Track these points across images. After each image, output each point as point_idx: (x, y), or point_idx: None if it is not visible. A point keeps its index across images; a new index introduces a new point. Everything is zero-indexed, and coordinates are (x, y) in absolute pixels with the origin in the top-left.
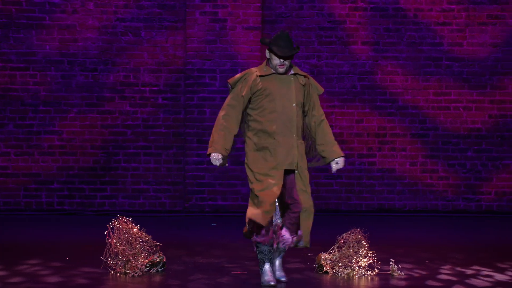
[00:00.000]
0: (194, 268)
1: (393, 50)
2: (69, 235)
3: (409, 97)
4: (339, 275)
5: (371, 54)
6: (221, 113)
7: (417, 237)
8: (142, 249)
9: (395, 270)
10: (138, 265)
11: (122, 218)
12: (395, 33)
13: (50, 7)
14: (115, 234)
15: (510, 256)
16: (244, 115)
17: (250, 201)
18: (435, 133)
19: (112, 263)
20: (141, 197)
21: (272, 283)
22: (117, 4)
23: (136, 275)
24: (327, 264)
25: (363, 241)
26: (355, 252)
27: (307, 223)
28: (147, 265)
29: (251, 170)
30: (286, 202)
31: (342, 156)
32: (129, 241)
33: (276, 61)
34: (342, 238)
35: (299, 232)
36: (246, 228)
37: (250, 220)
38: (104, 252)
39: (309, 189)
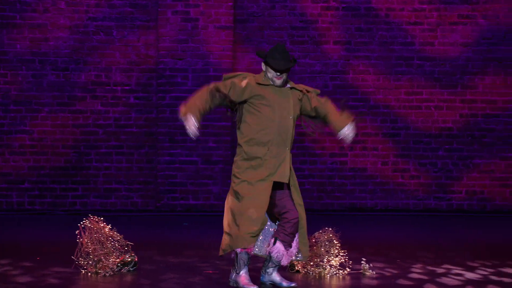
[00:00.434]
0: (165, 268)
1: (364, 50)
2: (40, 235)
3: (380, 97)
4: (311, 274)
5: (343, 54)
6: (210, 86)
7: (388, 236)
8: (114, 249)
9: (367, 269)
10: (110, 265)
11: (94, 217)
12: (366, 33)
13: (21, 6)
14: (87, 233)
15: (481, 255)
16: (238, 118)
17: (230, 216)
18: (407, 132)
19: (84, 262)
20: (112, 197)
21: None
22: (88, 3)
23: (107, 274)
24: (298, 263)
25: (334, 240)
26: (327, 251)
27: (305, 235)
28: (119, 264)
29: (238, 178)
30: (279, 212)
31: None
32: (101, 241)
33: (272, 73)
34: (314, 237)
35: (293, 245)
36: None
37: (229, 246)
38: (75, 252)
39: (302, 203)
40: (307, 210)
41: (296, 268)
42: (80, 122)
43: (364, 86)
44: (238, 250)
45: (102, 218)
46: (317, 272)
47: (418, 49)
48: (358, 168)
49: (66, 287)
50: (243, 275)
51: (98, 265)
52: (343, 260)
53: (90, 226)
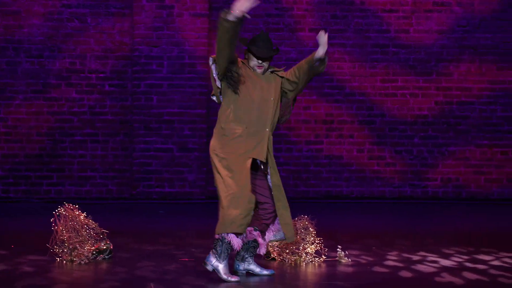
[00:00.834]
0: (141, 256)
1: (340, 37)
2: (15, 223)
3: (356, 84)
4: (287, 261)
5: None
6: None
7: (364, 223)
8: (89, 237)
9: (342, 256)
10: (85, 253)
11: (69, 205)
12: (342, 20)
13: None
14: (62, 221)
15: (456, 242)
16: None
17: (221, 203)
18: (382, 119)
19: (59, 250)
20: (88, 185)
21: (234, 279)
22: None
23: (82, 262)
24: (274, 251)
25: (310, 228)
26: (303, 238)
27: (285, 216)
28: (94, 252)
29: (217, 156)
30: (257, 200)
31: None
32: (76, 229)
33: (254, 61)
34: None
35: (269, 229)
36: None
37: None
38: (50, 240)
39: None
40: None
41: (272, 255)
42: (54, 110)
43: (339, 74)
44: (229, 237)
45: (77, 206)
46: (292, 259)
47: (393, 36)
48: (334, 156)
49: (41, 275)
50: (224, 265)
51: (73, 253)
52: (319, 248)
53: (65, 214)
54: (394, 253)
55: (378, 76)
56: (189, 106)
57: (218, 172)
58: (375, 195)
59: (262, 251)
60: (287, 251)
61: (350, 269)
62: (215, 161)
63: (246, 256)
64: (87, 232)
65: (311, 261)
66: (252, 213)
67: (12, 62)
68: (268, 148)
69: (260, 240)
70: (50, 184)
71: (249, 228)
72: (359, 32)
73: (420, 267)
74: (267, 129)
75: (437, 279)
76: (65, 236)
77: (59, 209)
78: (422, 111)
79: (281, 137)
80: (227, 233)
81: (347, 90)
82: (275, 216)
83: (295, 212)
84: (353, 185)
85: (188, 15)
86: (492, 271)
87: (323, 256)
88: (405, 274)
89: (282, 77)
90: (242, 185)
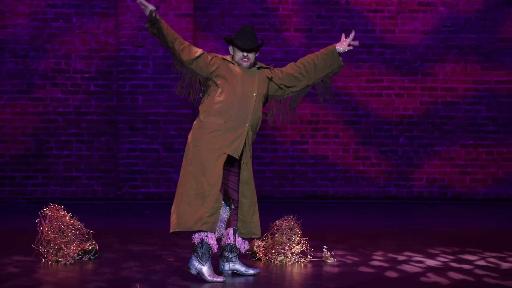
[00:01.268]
0: (126, 256)
1: (325, 37)
2: (0, 223)
3: (341, 84)
4: (272, 262)
5: (304, 41)
6: (185, 42)
7: (349, 223)
8: (74, 237)
9: (328, 256)
10: (70, 253)
11: (54, 205)
12: (327, 20)
13: None
14: (47, 222)
15: (441, 242)
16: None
17: (183, 198)
18: (368, 120)
19: (44, 251)
20: (73, 185)
21: (219, 279)
22: None
23: (68, 263)
24: (260, 251)
25: (296, 228)
26: (288, 239)
27: (246, 214)
28: (79, 253)
29: (191, 150)
30: (233, 199)
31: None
32: (61, 229)
33: (239, 55)
34: (275, 225)
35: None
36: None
37: (178, 225)
38: (36, 240)
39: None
40: (268, 198)
41: (257, 256)
42: (40, 110)
43: None
44: (202, 236)
45: (62, 206)
46: (278, 260)
47: (378, 36)
48: (319, 156)
49: (26, 276)
50: (208, 267)
51: (58, 254)
52: (305, 248)
53: (51, 214)
54: (380, 253)
55: (363, 76)
56: (174, 106)
57: (190, 166)
58: (360, 195)
59: (244, 248)
60: (273, 251)
61: (335, 269)
62: (189, 155)
63: (230, 256)
64: (72, 232)
65: (297, 261)
66: (219, 211)
67: None
68: (246, 144)
69: (237, 241)
70: (35, 185)
71: (228, 230)
72: (345, 32)
73: (405, 267)
74: (247, 125)
75: (423, 279)
76: (50, 236)
77: (44, 209)
78: (407, 111)
79: (267, 137)
80: (201, 231)
81: (333, 90)
82: (252, 213)
83: (281, 212)
84: (338, 185)
85: (173, 15)
86: (478, 271)
87: (309, 256)
88: (391, 274)
89: (270, 74)
90: (212, 183)
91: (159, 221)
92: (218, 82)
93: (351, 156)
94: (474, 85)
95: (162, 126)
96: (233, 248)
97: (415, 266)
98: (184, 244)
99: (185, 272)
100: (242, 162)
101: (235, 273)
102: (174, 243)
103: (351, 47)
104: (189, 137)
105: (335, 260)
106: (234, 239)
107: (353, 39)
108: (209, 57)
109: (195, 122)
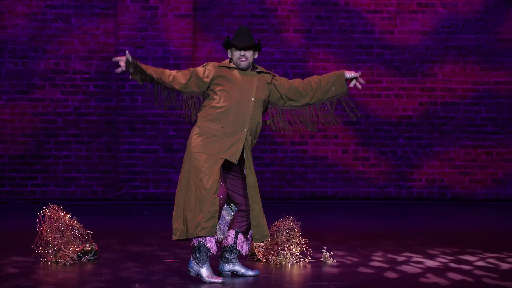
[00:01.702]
0: (126, 257)
1: (324, 38)
2: None
3: None
4: (272, 262)
5: (303, 42)
6: (171, 74)
7: (349, 224)
8: (74, 238)
9: (328, 257)
10: (70, 254)
11: (53, 206)
12: (326, 21)
13: None
14: (46, 222)
15: (440, 243)
16: (201, 100)
17: (186, 204)
18: (367, 120)
19: (43, 252)
20: (72, 185)
21: (218, 280)
22: None
23: (67, 263)
24: (259, 251)
25: (295, 229)
26: (288, 239)
27: (257, 218)
28: (79, 253)
29: (190, 156)
30: (235, 203)
31: (347, 76)
32: (61, 230)
33: (236, 54)
34: (275, 225)
35: (250, 233)
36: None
37: (184, 233)
38: (35, 241)
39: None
40: (267, 199)
41: (257, 256)
42: (39, 111)
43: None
44: (200, 239)
45: (62, 207)
46: (278, 260)
47: (377, 37)
48: (319, 157)
49: (25, 276)
50: (206, 268)
51: (58, 254)
52: (304, 249)
53: (50, 215)
54: (379, 253)
55: (362, 77)
56: (174, 106)
57: (189, 173)
58: (360, 196)
59: (245, 251)
60: (272, 252)
61: (335, 270)
62: (187, 160)
63: (230, 257)
64: (72, 233)
65: (296, 262)
66: (217, 214)
67: None
68: (245, 149)
69: (238, 243)
70: (34, 185)
71: (229, 232)
72: (344, 33)
73: (405, 267)
74: (245, 130)
75: (422, 279)
76: (49, 237)
77: (43, 210)
78: (406, 112)
79: (266, 138)
80: (200, 237)
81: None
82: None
83: (280, 213)
84: (338, 185)
85: (173, 15)
86: (477, 272)
87: (308, 257)
88: (390, 274)
89: (270, 79)
90: (208, 188)
91: (158, 222)
92: (216, 89)
93: (350, 157)
94: (473, 86)
95: (162, 126)
96: (233, 249)
97: (414, 266)
98: (183, 244)
99: (185, 272)
100: (245, 167)
101: (234, 274)
102: (173, 244)
103: (356, 82)
104: (188, 143)
105: (335, 260)
106: (235, 240)
107: (360, 82)
108: (201, 70)
109: (193, 127)
